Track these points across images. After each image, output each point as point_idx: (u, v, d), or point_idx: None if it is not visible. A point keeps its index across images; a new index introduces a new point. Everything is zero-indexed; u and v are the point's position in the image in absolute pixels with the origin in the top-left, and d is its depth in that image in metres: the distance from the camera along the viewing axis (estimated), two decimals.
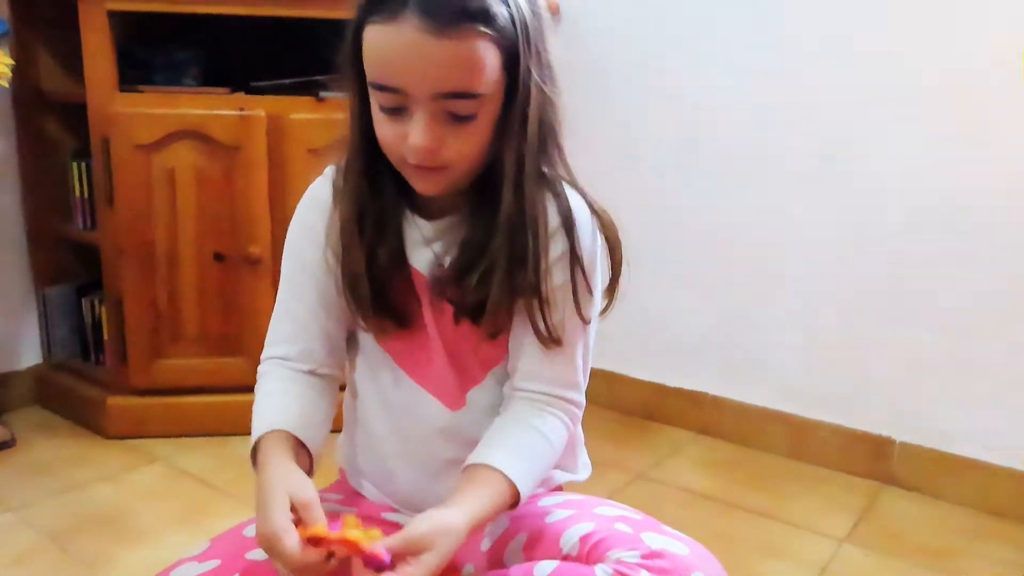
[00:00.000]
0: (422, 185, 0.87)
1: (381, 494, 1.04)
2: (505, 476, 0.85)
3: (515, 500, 0.86)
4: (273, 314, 0.98)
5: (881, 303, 1.79)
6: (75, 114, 1.92)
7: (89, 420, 2.02)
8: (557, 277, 0.89)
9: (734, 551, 1.52)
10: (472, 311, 0.90)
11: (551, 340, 0.89)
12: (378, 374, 0.99)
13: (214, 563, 0.87)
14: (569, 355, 0.93)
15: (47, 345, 2.17)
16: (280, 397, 0.92)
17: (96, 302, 2.07)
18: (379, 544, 0.74)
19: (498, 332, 0.93)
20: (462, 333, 0.93)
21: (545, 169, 0.88)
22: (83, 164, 1.99)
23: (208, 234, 1.90)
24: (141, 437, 1.95)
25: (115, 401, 1.97)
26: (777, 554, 1.54)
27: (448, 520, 0.79)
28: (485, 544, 0.98)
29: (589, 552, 0.85)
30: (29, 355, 2.17)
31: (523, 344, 0.92)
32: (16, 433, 1.96)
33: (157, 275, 1.90)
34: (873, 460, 1.83)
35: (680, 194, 2.02)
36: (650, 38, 2.01)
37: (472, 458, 0.88)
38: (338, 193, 0.92)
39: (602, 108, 2.08)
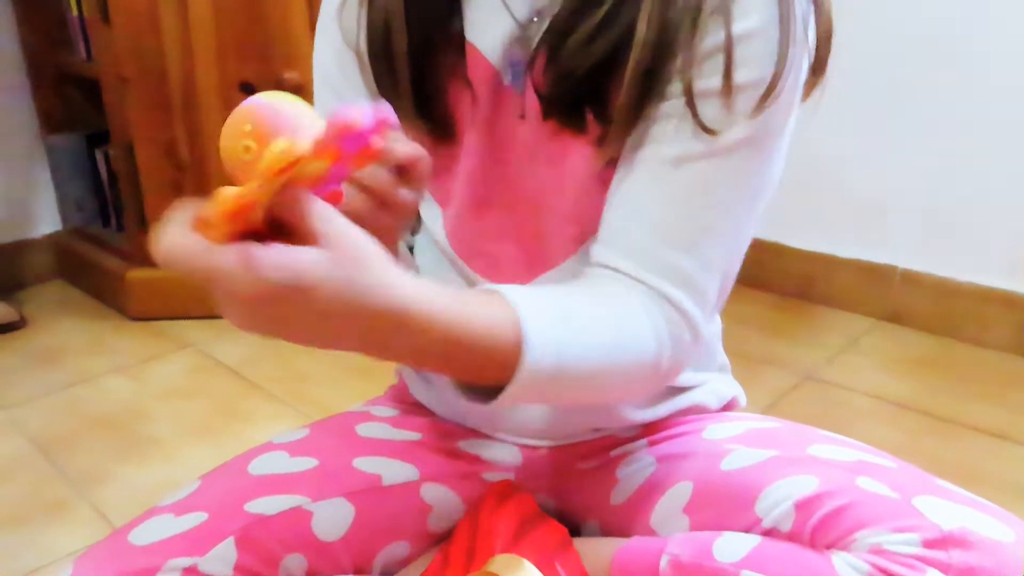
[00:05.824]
0: None
1: (448, 409, 0.76)
2: (504, 298, 0.52)
3: (516, 342, 0.50)
4: None
5: None
6: None
7: (110, 298, 1.69)
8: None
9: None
10: (574, 101, 0.59)
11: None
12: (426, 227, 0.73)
13: (198, 517, 0.60)
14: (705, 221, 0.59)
15: (62, 207, 1.82)
16: None
17: (110, 153, 1.69)
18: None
19: (618, 146, 0.59)
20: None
21: None
22: None
23: (232, 57, 1.48)
24: (169, 319, 1.62)
25: (136, 275, 1.62)
26: None
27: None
28: (618, 495, 0.69)
29: (816, 530, 0.57)
30: (46, 220, 1.83)
31: (626, 184, 0.59)
32: (30, 312, 1.67)
33: (173, 113, 1.51)
34: None
35: None
36: None
37: None
38: None
39: None
